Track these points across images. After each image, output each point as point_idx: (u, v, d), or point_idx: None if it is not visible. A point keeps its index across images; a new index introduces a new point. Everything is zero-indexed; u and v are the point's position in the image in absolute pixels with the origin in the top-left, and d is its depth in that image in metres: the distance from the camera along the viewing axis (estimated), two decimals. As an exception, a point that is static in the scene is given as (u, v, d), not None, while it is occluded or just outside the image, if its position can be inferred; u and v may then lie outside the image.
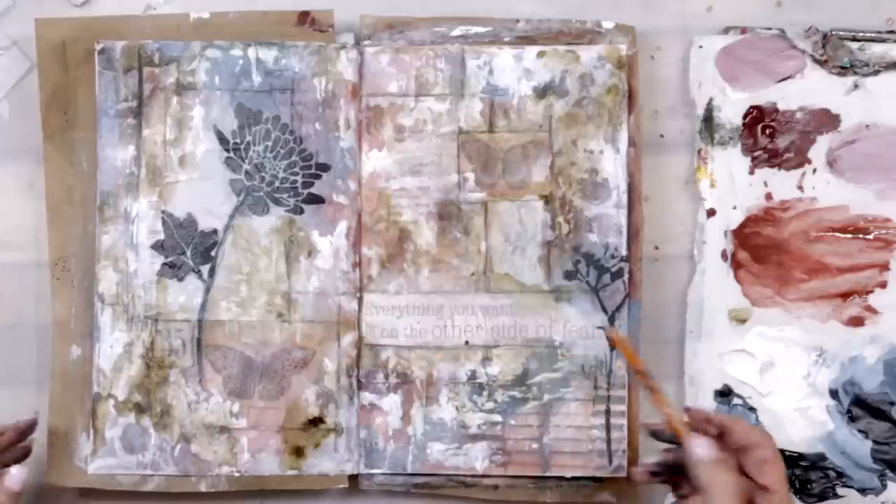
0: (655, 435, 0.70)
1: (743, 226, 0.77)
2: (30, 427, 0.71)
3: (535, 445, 0.76)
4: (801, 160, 0.77)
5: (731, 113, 0.77)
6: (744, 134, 0.77)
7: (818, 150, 0.77)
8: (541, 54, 0.77)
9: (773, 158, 0.77)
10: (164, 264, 0.77)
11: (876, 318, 0.77)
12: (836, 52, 0.76)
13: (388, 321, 0.77)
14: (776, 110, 0.77)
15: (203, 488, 0.77)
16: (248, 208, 0.77)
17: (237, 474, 0.77)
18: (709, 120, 0.78)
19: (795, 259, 0.77)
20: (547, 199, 0.77)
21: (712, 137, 0.78)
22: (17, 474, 0.67)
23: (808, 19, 0.77)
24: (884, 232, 0.77)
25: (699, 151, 0.78)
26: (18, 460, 0.72)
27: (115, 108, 0.77)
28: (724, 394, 0.77)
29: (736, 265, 0.77)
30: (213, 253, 0.77)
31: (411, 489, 0.77)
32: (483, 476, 0.77)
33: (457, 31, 0.78)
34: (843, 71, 0.77)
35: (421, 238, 0.77)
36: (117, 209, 0.77)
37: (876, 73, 0.77)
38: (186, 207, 0.77)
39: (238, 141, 0.77)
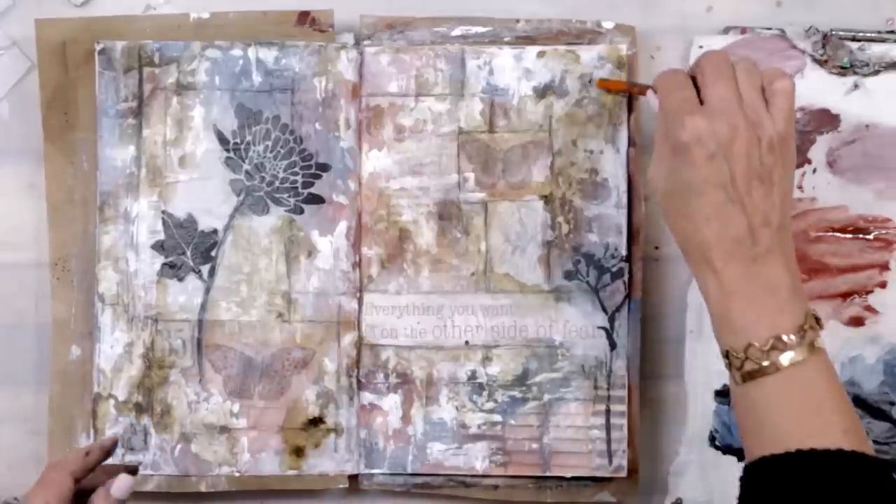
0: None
1: (743, 226, 0.77)
2: (113, 445, 0.69)
3: (535, 445, 0.76)
4: (801, 160, 0.77)
5: (731, 113, 0.77)
6: (744, 134, 0.77)
7: (818, 150, 0.77)
8: (541, 54, 0.77)
9: (773, 158, 0.77)
10: (165, 264, 0.77)
11: (876, 318, 0.76)
12: (836, 52, 0.76)
13: (388, 321, 0.77)
14: (776, 110, 0.77)
15: (203, 488, 0.77)
16: (248, 208, 0.77)
17: (237, 474, 0.77)
18: (709, 120, 0.77)
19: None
20: (547, 199, 0.77)
21: (712, 137, 0.77)
22: (123, 482, 0.65)
23: (808, 19, 0.77)
24: (884, 232, 0.77)
25: (699, 151, 0.78)
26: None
27: (116, 109, 0.77)
28: (724, 394, 0.77)
29: (736, 265, 0.77)
30: (213, 253, 0.77)
31: (411, 489, 0.77)
32: (483, 476, 0.77)
33: (457, 31, 0.78)
34: (843, 71, 0.77)
35: (421, 238, 0.77)
36: (117, 209, 0.77)
37: (876, 73, 0.77)
38: (186, 207, 0.77)
39: (238, 141, 0.77)
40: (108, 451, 0.68)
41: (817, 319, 0.62)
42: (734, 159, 0.61)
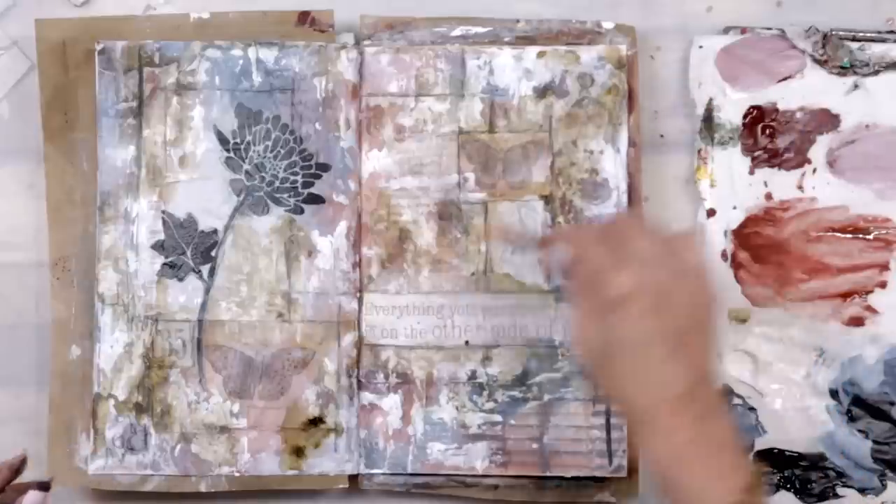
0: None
1: (743, 226, 0.77)
2: (21, 464, 0.68)
3: (535, 445, 0.76)
4: (801, 160, 0.77)
5: (731, 113, 0.77)
6: (744, 134, 0.77)
7: (818, 150, 0.77)
8: (541, 54, 0.77)
9: (773, 158, 0.77)
10: (165, 264, 0.77)
11: (876, 318, 0.77)
12: (836, 52, 0.76)
13: (388, 321, 0.77)
14: (776, 110, 0.77)
15: (203, 488, 0.77)
16: (249, 208, 0.77)
17: (237, 474, 0.77)
18: (709, 120, 0.78)
19: (795, 259, 0.77)
20: (547, 199, 0.77)
21: (712, 137, 0.78)
22: (32, 498, 0.64)
23: (808, 19, 0.77)
24: (884, 232, 0.77)
25: (699, 151, 0.78)
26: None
27: (116, 109, 0.77)
28: (724, 394, 0.77)
29: (736, 265, 0.77)
30: (213, 253, 0.77)
31: (411, 489, 0.77)
32: (483, 476, 0.77)
33: (457, 31, 0.78)
34: (843, 71, 0.77)
35: (421, 238, 0.77)
36: (117, 209, 0.77)
37: (876, 73, 0.77)
38: (186, 207, 0.77)
39: (238, 141, 0.77)
40: (18, 470, 0.67)
41: (762, 474, 0.60)
42: (671, 313, 0.58)
